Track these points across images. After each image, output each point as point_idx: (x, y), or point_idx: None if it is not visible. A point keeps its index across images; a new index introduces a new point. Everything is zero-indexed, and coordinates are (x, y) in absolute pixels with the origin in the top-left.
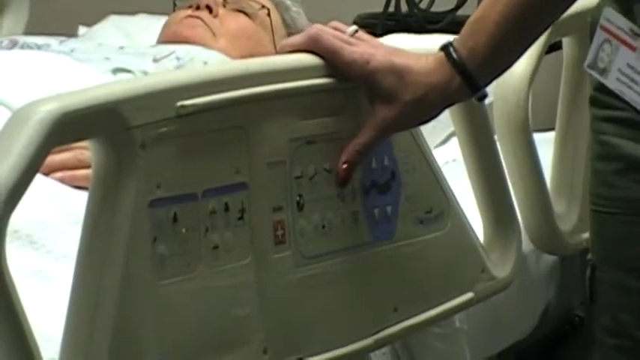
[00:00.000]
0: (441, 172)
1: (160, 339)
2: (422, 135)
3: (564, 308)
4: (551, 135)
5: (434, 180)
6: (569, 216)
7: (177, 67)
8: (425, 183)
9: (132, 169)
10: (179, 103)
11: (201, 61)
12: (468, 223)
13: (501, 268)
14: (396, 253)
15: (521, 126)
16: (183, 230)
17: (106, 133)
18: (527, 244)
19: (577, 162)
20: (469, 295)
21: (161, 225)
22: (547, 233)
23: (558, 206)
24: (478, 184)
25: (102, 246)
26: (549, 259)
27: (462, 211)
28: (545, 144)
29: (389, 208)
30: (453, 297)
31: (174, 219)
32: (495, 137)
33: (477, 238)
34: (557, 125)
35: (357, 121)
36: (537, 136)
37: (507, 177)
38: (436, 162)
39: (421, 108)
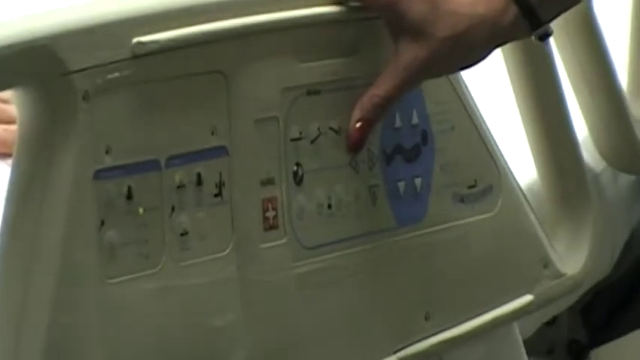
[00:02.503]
0: (490, 133)
1: (109, 355)
2: (463, 83)
3: None
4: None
5: (480, 143)
6: None
7: None
8: (468, 147)
9: (71, 128)
10: (135, 40)
11: None
12: (526, 200)
13: (571, 262)
14: (428, 242)
15: (582, 9)
16: (141, 210)
17: (35, 80)
18: (598, 162)
19: None
20: (527, 299)
21: (111, 203)
22: (624, 147)
23: (637, 110)
24: (539, 150)
25: (30, 232)
26: (630, 177)
27: (517, 184)
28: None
29: (418, 182)
30: (506, 301)
31: (129, 195)
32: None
33: (538, 222)
34: (633, 4)
35: (376, 65)
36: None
37: (570, 83)
38: (483, 119)
39: (462, 48)
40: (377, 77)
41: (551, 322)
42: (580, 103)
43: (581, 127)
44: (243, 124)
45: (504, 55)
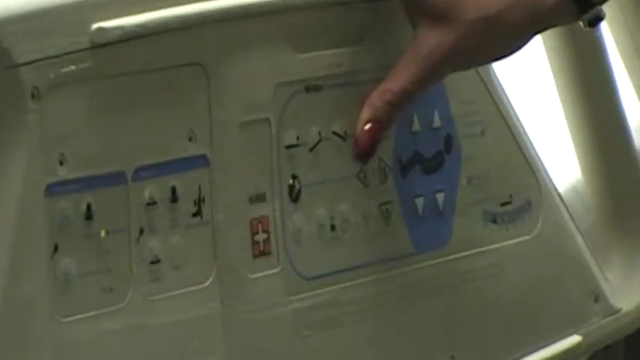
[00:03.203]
0: (528, 137)
1: None
2: (496, 78)
3: None
4: None
5: (516, 150)
6: None
7: None
8: (501, 156)
9: (17, 132)
10: (95, 26)
11: None
12: (572, 219)
13: (627, 295)
14: (453, 272)
15: None
16: (103, 233)
17: None
18: None
19: None
20: (574, 340)
21: (66, 224)
22: None
23: None
24: (587, 155)
25: None
26: None
27: (561, 200)
28: None
29: (441, 198)
30: (548, 342)
31: (88, 214)
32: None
33: (587, 245)
34: None
35: (388, 55)
36: None
37: (623, 65)
38: (520, 121)
39: (495, 33)
40: (390, 69)
41: (606, 348)
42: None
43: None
44: (228, 128)
45: (545, 44)
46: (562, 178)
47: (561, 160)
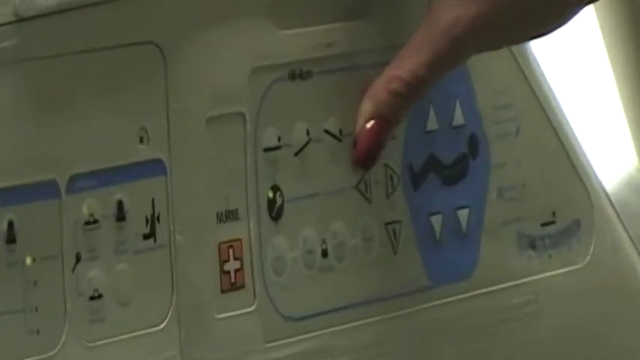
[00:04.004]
0: (576, 138)
1: None
2: (535, 62)
3: None
4: None
5: (561, 155)
6: None
7: None
8: (542, 162)
9: None
10: None
11: None
12: (634, 243)
13: None
14: (480, 311)
15: None
16: (28, 260)
17: None
18: None
19: None
20: None
21: None
22: None
23: None
24: None
25: None
26: None
27: (618, 218)
28: None
29: (464, 216)
30: None
31: (9, 237)
32: None
33: None
34: None
35: (395, 33)
36: None
37: None
38: (565, 116)
39: (532, 3)
40: (398, 51)
41: None
42: None
43: None
44: (190, 126)
45: (598, 16)
46: (616, 170)
47: (615, 148)
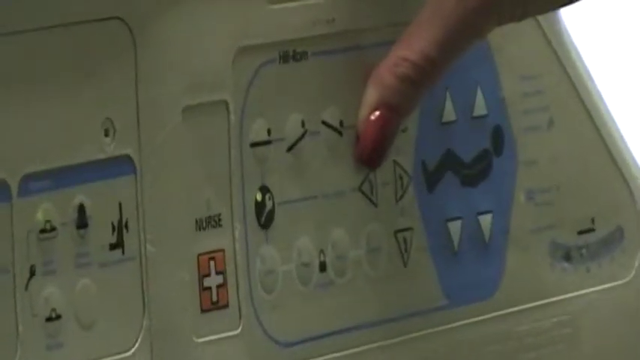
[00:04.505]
0: (618, 129)
1: None
2: (570, 41)
3: None
4: None
5: (602, 151)
6: None
7: None
8: (579, 159)
9: None
10: None
11: None
12: None
13: None
14: (505, 334)
15: None
16: None
17: None
18: None
19: None
20: None
21: None
22: None
23: None
24: None
25: None
26: None
27: None
28: None
29: (486, 223)
30: None
31: None
32: None
33: None
34: None
35: (406, 6)
36: None
37: None
38: (606, 106)
39: None
40: (405, 28)
41: None
42: None
43: None
44: (163, 117)
45: None
46: None
47: None
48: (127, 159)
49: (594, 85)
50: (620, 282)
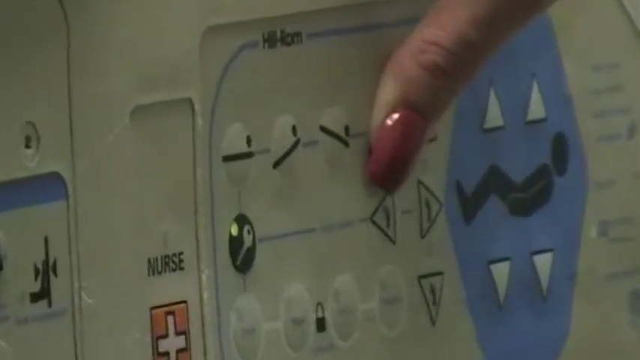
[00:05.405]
0: None
1: None
2: None
3: None
4: None
5: None
6: None
7: None
8: None
9: None
10: None
11: None
12: None
13: None
14: None
15: None
16: None
17: None
18: None
19: None
20: None
21: None
22: None
23: None
24: None
25: None
26: None
27: None
28: None
29: (545, 265)
30: None
31: None
32: None
33: None
34: None
35: None
36: None
37: None
38: None
39: None
40: (434, 3)
41: None
42: None
43: None
44: (105, 121)
45: None
46: None
47: None
48: (56, 178)
49: None
50: None
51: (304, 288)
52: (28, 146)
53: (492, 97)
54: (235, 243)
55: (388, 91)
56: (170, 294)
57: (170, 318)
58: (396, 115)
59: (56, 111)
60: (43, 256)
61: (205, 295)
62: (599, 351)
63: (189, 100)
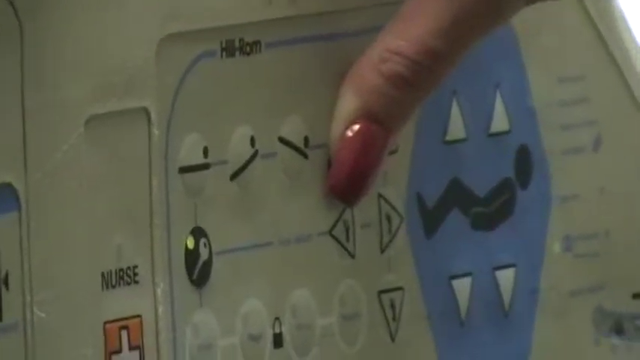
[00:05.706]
0: None
1: None
2: (627, 29)
3: None
4: None
5: None
6: None
7: None
8: (637, 194)
9: None
10: None
11: None
12: None
13: None
14: None
15: None
16: None
17: None
18: None
19: None
20: None
21: None
22: None
23: None
24: None
25: None
26: None
27: None
28: None
29: (507, 279)
30: None
31: None
32: None
33: None
34: None
35: None
36: None
37: None
38: None
39: None
40: (397, 9)
41: None
42: None
43: None
44: (59, 130)
45: None
46: None
47: None
48: (8, 189)
49: None
50: None
51: (261, 303)
52: None
53: (455, 108)
54: (191, 256)
55: (349, 101)
56: (124, 308)
57: (124, 333)
58: (356, 126)
59: (8, 121)
60: None
61: (160, 310)
62: None
63: (145, 110)
